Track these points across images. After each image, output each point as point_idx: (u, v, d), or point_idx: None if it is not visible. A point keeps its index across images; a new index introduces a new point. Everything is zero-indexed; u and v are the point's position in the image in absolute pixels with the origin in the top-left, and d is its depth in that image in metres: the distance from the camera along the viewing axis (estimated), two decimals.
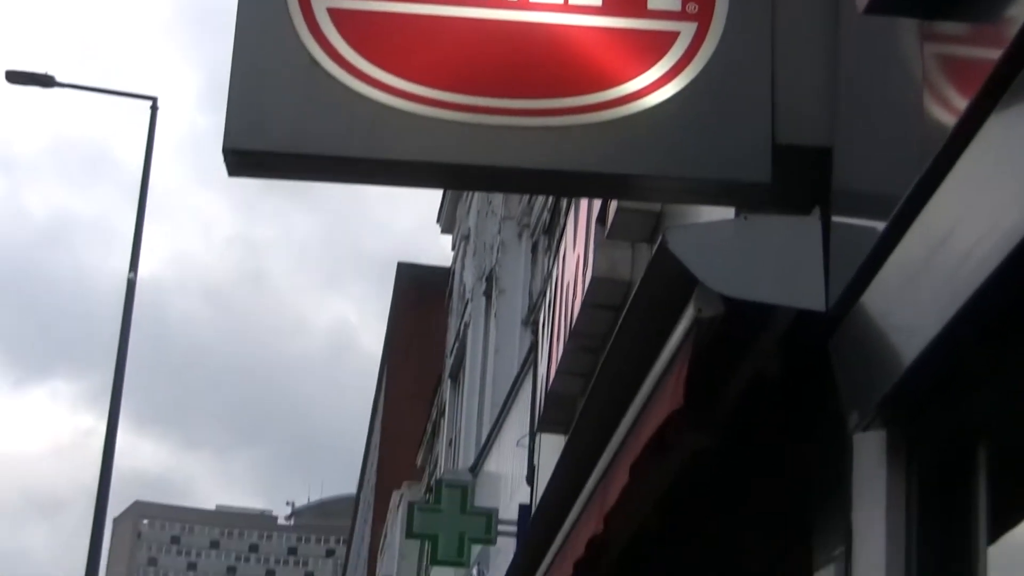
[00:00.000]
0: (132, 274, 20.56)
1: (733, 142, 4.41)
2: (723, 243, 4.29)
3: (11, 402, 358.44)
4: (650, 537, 6.21)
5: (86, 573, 20.69)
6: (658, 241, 4.46)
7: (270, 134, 4.50)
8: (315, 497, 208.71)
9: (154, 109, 21.14)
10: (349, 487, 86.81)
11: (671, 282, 4.28)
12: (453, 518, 12.75)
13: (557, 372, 8.35)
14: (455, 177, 5.49)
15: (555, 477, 6.93)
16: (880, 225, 3.69)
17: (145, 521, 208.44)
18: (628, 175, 4.56)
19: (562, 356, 8.11)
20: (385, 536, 32.57)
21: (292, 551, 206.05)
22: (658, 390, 4.56)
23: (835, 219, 4.21)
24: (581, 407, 6.35)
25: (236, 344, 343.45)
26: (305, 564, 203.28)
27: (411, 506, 14.29)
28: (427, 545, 14.78)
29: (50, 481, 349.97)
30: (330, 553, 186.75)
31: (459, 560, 13.02)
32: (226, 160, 4.48)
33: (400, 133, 4.47)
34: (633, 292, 5.18)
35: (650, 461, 4.70)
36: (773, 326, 4.29)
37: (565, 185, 5.23)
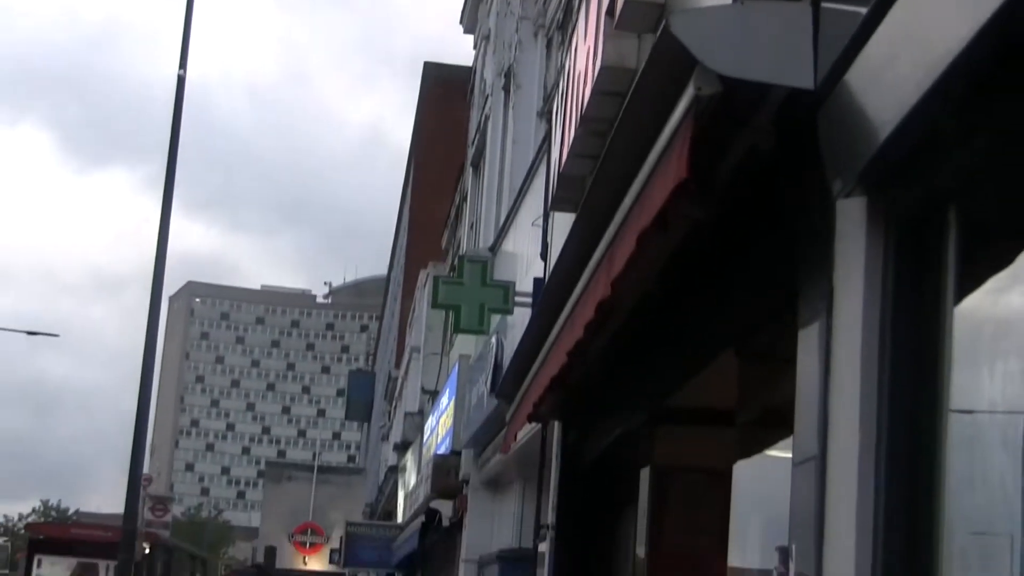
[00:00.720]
0: (181, 71, 20.47)
1: None
2: (721, 27, 4.25)
3: (75, 189, 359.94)
4: (653, 301, 6.27)
5: (145, 345, 21.02)
6: (661, 26, 4.43)
7: None
8: (350, 278, 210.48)
9: None
10: (381, 268, 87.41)
11: (673, 64, 4.26)
12: (474, 290, 12.81)
13: (568, 155, 8.33)
14: None
15: (566, 251, 6.97)
16: (864, 9, 3.66)
17: (197, 299, 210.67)
18: None
19: (573, 140, 8.08)
20: (413, 311, 32.91)
21: (330, 326, 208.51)
22: (661, 165, 4.56)
23: (824, 5, 4.16)
24: (589, 185, 6.36)
25: (278, 139, 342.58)
26: (341, 338, 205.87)
27: (436, 280, 14.35)
28: (451, 316, 14.94)
29: (112, 263, 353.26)
30: (364, 328, 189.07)
31: (479, 328, 13.13)
32: None
33: None
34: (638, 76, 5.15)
35: (654, 231, 4.72)
36: (766, 103, 4.28)
37: None
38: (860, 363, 3.81)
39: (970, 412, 3.53)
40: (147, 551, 21.65)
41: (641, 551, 8.08)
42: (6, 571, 56.42)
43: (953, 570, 3.46)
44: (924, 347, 3.70)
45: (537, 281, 11.53)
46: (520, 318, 12.17)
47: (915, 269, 3.74)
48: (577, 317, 6.24)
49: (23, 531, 70.09)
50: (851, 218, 3.88)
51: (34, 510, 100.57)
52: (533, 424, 10.13)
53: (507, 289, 12.83)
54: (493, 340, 13.33)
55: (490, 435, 14.30)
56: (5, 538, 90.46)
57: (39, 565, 21.68)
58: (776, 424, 4.91)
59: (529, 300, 11.85)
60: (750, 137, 4.44)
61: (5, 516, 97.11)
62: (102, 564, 21.24)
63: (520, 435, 10.52)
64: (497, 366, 12.49)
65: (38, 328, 51.03)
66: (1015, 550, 3.23)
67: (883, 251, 3.79)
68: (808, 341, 4.29)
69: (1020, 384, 3.29)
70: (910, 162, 3.52)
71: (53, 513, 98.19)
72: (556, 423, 10.03)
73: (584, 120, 7.64)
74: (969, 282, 3.56)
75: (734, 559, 6.07)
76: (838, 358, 4.01)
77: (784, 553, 4.64)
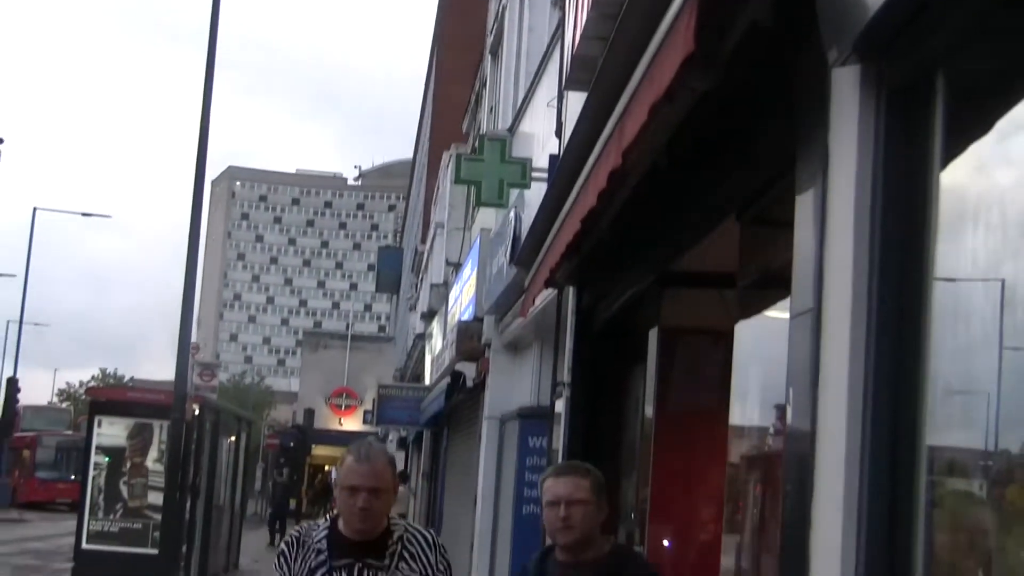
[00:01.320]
0: None
1: None
2: None
3: (126, 76, 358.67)
4: (660, 171, 6.23)
5: (190, 226, 21.12)
6: None
7: None
8: (378, 161, 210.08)
9: None
10: (407, 152, 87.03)
11: None
12: (494, 166, 12.74)
13: (581, 38, 8.25)
14: None
15: (579, 126, 6.92)
16: None
17: (238, 183, 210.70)
18: None
19: (585, 23, 7.98)
20: (437, 190, 32.82)
21: (360, 206, 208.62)
22: (668, 40, 4.50)
23: None
24: (601, 64, 6.28)
25: (309, 37, 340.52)
26: (371, 217, 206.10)
27: (459, 157, 14.28)
28: (472, 191, 14.90)
29: (158, 148, 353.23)
30: (391, 208, 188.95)
31: (499, 202, 13.07)
32: None
33: None
34: None
35: (663, 102, 4.67)
36: None
37: None
38: (853, 225, 3.80)
39: (952, 280, 3.52)
40: (196, 412, 21.87)
41: (649, 409, 8.13)
42: (69, 432, 57.33)
43: (937, 425, 3.49)
44: (912, 209, 3.68)
45: (552, 157, 11.48)
46: (536, 193, 12.14)
47: (904, 134, 3.71)
48: (590, 187, 6.20)
49: (84, 397, 70.99)
50: (845, 86, 3.84)
51: (93, 378, 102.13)
52: (550, 290, 10.16)
53: (524, 165, 12.77)
54: (512, 214, 13.30)
55: (510, 302, 14.34)
56: (68, 403, 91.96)
57: (99, 425, 21.88)
58: (774, 286, 4.91)
59: (545, 175, 11.81)
60: (751, 13, 4.37)
61: (67, 383, 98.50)
62: (156, 424, 21.48)
63: (537, 300, 10.56)
64: (516, 237, 12.49)
65: (91, 210, 51.20)
66: (991, 407, 3.26)
67: (875, 117, 3.75)
68: (805, 205, 4.27)
69: (998, 250, 3.28)
70: (901, 31, 3.47)
71: (111, 380, 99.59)
72: (571, 288, 10.06)
73: (595, 3, 7.55)
74: (954, 147, 3.53)
75: (735, 417, 6.08)
76: (833, 220, 3.99)
77: (781, 410, 4.67)
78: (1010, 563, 2.99)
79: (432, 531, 5.07)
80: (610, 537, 4.77)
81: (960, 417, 3.47)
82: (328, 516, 4.92)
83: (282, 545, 4.89)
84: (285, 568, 4.79)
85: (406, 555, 4.76)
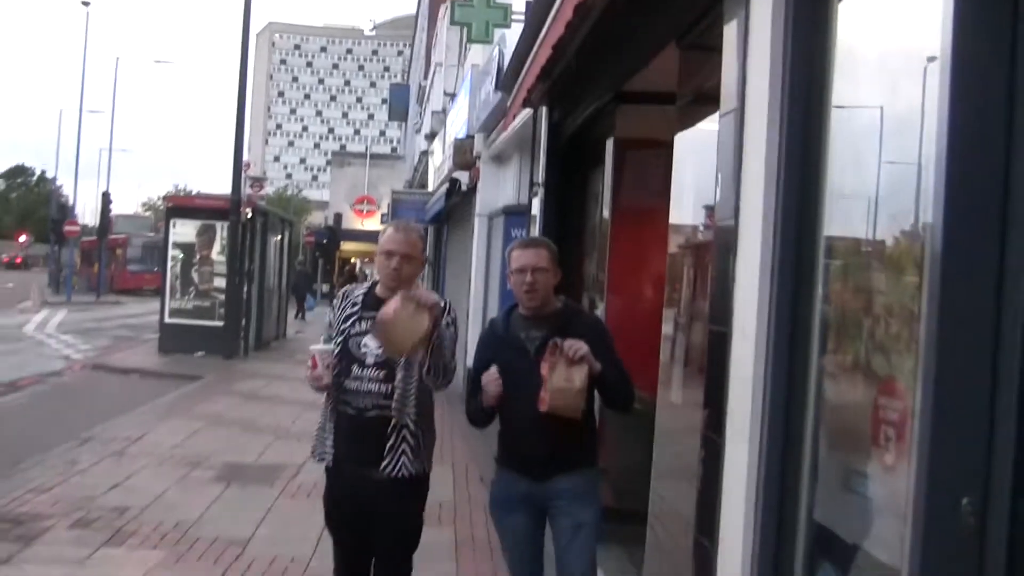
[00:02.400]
0: None
1: None
2: None
3: None
4: (616, 4, 6.02)
5: (240, 70, 20.76)
6: None
7: None
8: (389, 16, 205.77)
9: None
10: (411, 8, 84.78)
11: None
12: (481, 10, 12.47)
13: None
14: None
15: None
16: None
17: (277, 35, 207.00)
18: None
19: None
20: (436, 36, 32.09)
21: (375, 52, 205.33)
22: None
23: None
24: None
25: None
26: (384, 61, 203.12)
27: (453, 3, 13.95)
28: (464, 31, 14.55)
29: (209, 7, 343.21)
30: (400, 53, 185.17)
31: (486, 39, 12.82)
32: None
33: None
34: None
35: None
36: None
37: None
38: (769, 47, 3.72)
39: (843, 107, 3.42)
40: (249, 215, 21.87)
41: (606, 206, 8.07)
42: (152, 233, 57.34)
43: (834, 219, 3.46)
44: (816, 36, 3.59)
45: (528, 3, 11.18)
46: (515, 33, 11.85)
47: None
48: (559, 19, 6.03)
49: (162, 206, 70.93)
50: None
51: (168, 191, 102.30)
52: (527, 109, 10.00)
53: (506, 9, 12.51)
54: (496, 50, 13.02)
55: (495, 121, 14.16)
56: (149, 212, 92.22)
57: (174, 226, 21.93)
58: (706, 103, 4.80)
59: (523, 17, 11.52)
60: None
61: (148, 197, 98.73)
62: (218, 224, 21.50)
63: (517, 118, 10.41)
64: (499, 69, 12.24)
65: (160, 57, 50.07)
66: (870, 210, 3.23)
67: None
68: (731, 31, 4.16)
69: (878, 80, 3.19)
70: None
71: (182, 192, 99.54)
72: (543, 107, 9.88)
73: None
74: None
75: (674, 215, 6.01)
76: (753, 43, 3.90)
77: (709, 209, 4.62)
78: (888, 300, 3.01)
79: (446, 297, 5.06)
80: (560, 296, 4.79)
81: (845, 215, 3.45)
82: (370, 282, 4.97)
83: (335, 297, 5.04)
84: (332, 313, 4.91)
85: None
